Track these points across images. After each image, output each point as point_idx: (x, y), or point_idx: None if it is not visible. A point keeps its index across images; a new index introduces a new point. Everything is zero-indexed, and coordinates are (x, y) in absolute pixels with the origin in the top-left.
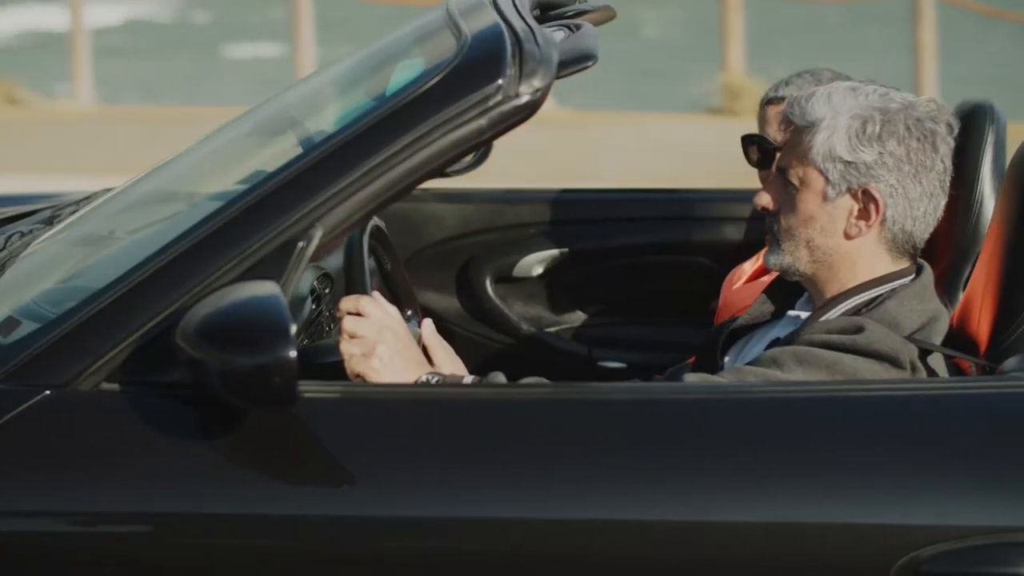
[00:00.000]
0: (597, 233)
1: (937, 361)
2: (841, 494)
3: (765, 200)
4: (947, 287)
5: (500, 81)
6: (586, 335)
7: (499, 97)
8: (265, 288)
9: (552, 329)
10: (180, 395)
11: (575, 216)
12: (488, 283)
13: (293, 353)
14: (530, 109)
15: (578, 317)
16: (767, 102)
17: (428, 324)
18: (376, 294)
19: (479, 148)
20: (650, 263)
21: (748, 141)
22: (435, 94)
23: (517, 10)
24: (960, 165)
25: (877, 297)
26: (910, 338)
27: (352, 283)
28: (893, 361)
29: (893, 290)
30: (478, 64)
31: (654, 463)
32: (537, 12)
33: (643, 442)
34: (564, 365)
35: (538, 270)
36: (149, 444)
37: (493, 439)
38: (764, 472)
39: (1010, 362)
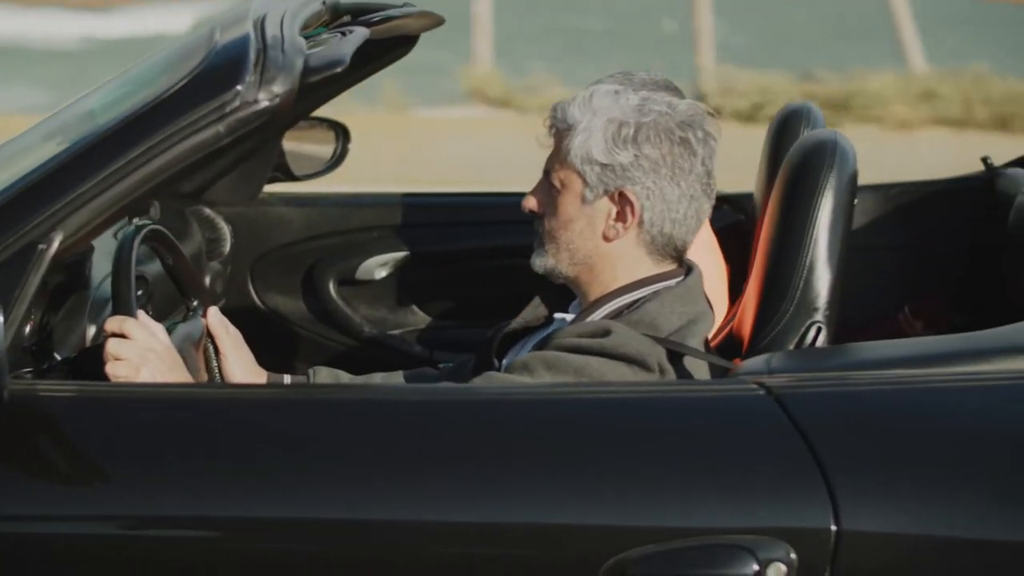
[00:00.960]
0: (440, 237)
1: (695, 363)
2: (547, 496)
3: (531, 203)
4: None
5: (239, 87)
6: (428, 337)
7: (236, 103)
8: None
9: (395, 331)
10: None
11: (419, 220)
12: (332, 286)
13: None
14: (269, 114)
15: (421, 319)
16: None
17: (213, 313)
18: (141, 314)
19: (222, 153)
20: (491, 266)
21: None
22: (174, 101)
23: (280, 21)
24: (775, 169)
25: (640, 299)
26: (664, 340)
27: (118, 302)
28: (640, 363)
29: (656, 292)
30: (219, 71)
31: (375, 463)
32: (348, 18)
33: (370, 441)
34: (406, 366)
35: (381, 273)
36: None
37: (229, 438)
38: (473, 474)
39: (745, 364)
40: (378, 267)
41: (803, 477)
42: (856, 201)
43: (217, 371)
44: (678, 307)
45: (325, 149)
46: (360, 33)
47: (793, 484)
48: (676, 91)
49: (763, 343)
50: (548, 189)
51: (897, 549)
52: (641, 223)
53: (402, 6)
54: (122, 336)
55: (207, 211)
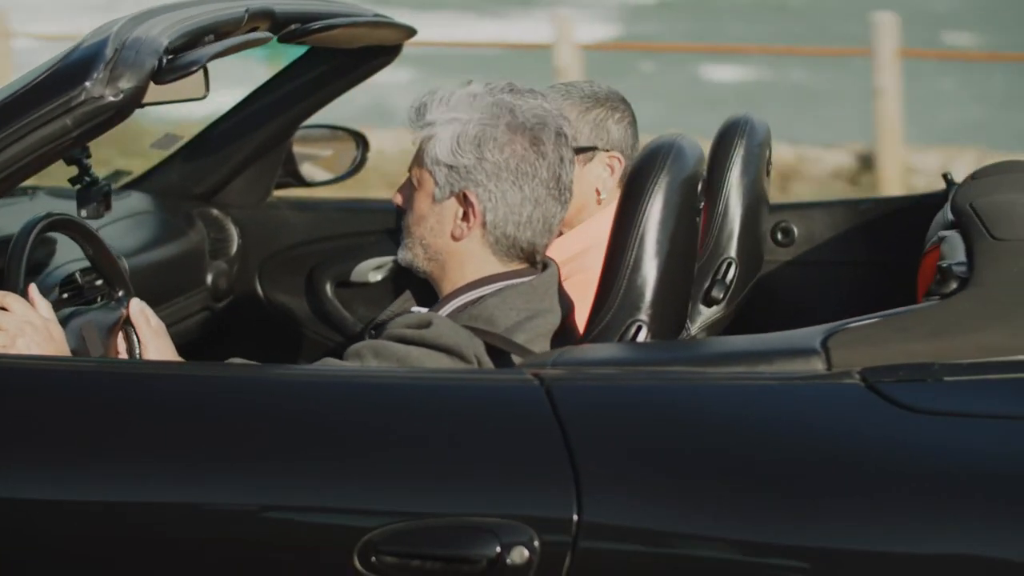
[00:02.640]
0: None
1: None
2: (307, 478)
3: (397, 198)
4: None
5: (87, 84)
6: None
7: (82, 98)
8: None
9: None
10: None
11: None
12: (328, 287)
13: None
14: (114, 109)
15: None
16: None
17: (134, 303)
18: (32, 291)
19: (72, 143)
20: None
21: None
22: (28, 95)
23: (151, 25)
24: (711, 177)
25: (484, 295)
26: (480, 332)
27: (5, 280)
28: (457, 354)
29: (500, 289)
30: (71, 69)
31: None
32: (296, 25)
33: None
34: None
35: (376, 276)
36: None
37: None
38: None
39: (538, 355)
40: (372, 270)
41: (553, 466)
42: (701, 206)
43: (138, 358)
44: (520, 303)
45: (345, 157)
46: (231, 42)
47: (543, 472)
48: (575, 96)
49: (589, 339)
50: (408, 186)
51: (636, 542)
52: (484, 224)
53: (371, 16)
54: (3, 309)
55: (215, 212)
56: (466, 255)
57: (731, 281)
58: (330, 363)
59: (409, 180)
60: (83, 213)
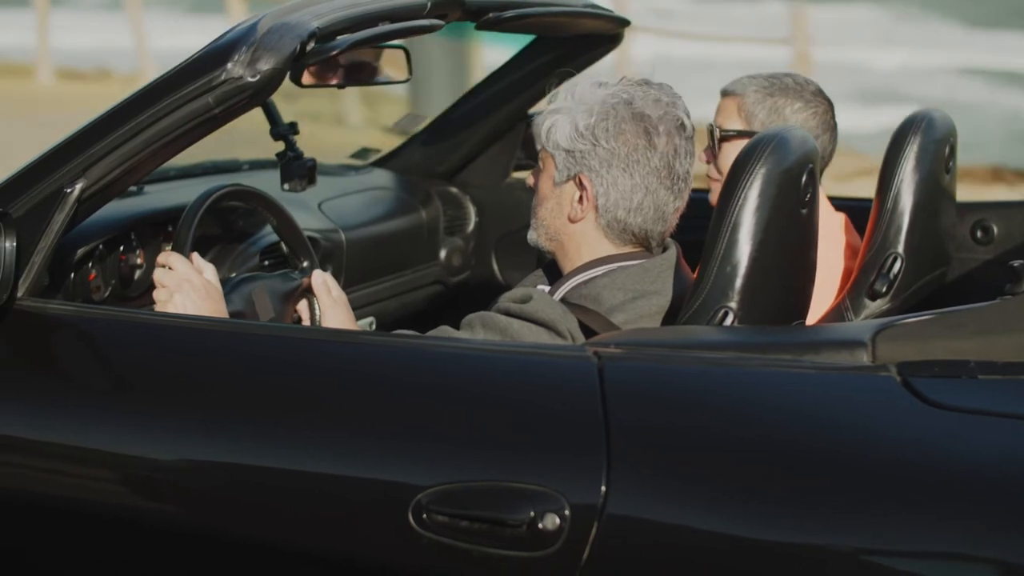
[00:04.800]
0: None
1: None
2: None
3: (530, 180)
4: (855, 284)
5: (228, 65)
6: None
7: (223, 78)
8: None
9: None
10: None
11: None
12: None
13: None
14: (253, 90)
15: None
16: (721, 93)
17: (317, 274)
18: (195, 255)
19: (215, 121)
20: None
21: (707, 130)
22: (178, 76)
23: (302, 10)
24: (883, 173)
25: (596, 276)
26: (576, 307)
27: (174, 243)
28: (552, 328)
29: (611, 270)
30: (216, 51)
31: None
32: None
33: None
34: None
35: None
36: None
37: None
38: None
39: (612, 334)
40: None
41: (590, 439)
42: (807, 198)
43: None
44: (629, 284)
45: None
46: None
47: (580, 444)
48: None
49: (680, 322)
50: (537, 168)
51: (661, 519)
52: (597, 208)
53: (579, 6)
54: (167, 268)
55: (454, 190)
56: (581, 237)
57: (896, 276)
58: (444, 331)
59: (537, 163)
60: (286, 187)
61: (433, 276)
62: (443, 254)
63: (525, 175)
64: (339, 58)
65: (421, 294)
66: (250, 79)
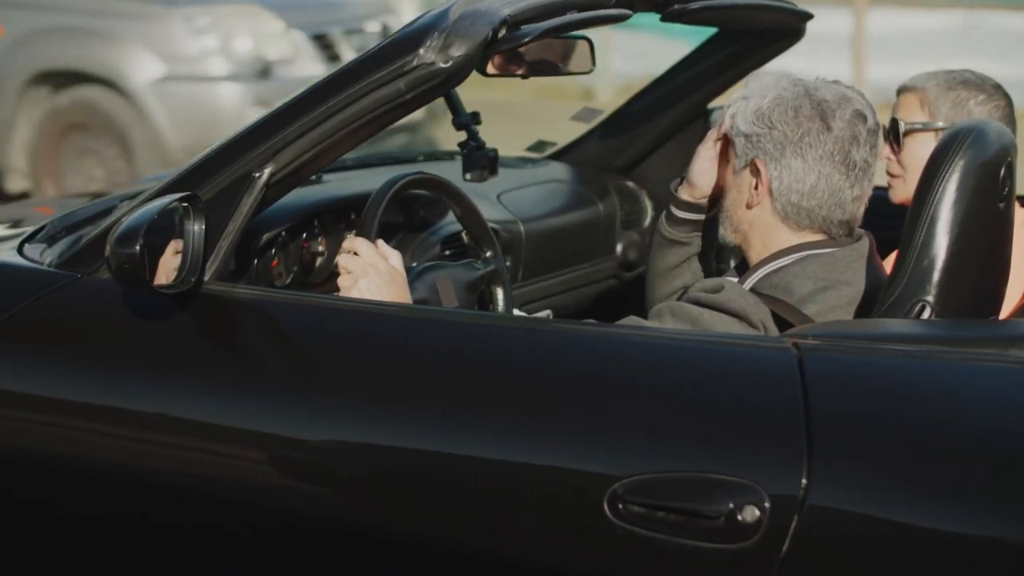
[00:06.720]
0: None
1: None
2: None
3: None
4: None
5: (420, 51)
6: None
7: (415, 64)
8: (154, 203)
9: None
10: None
11: None
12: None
13: (133, 250)
14: (444, 75)
15: None
16: (899, 91)
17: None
18: (381, 241)
19: (406, 106)
20: None
21: (888, 127)
22: (369, 60)
23: None
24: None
25: (785, 265)
26: (769, 298)
27: (360, 229)
28: (744, 318)
29: (801, 259)
30: (409, 37)
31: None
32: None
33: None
34: None
35: None
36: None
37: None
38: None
39: (811, 326)
40: None
41: (791, 431)
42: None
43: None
44: (820, 273)
45: None
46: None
47: (780, 436)
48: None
49: (876, 314)
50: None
51: (862, 514)
52: (771, 192)
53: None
54: (353, 254)
55: (631, 185)
56: (761, 224)
57: None
58: (633, 320)
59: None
60: (468, 177)
61: (609, 271)
62: (619, 248)
63: None
64: (523, 47)
65: (596, 288)
66: (442, 65)
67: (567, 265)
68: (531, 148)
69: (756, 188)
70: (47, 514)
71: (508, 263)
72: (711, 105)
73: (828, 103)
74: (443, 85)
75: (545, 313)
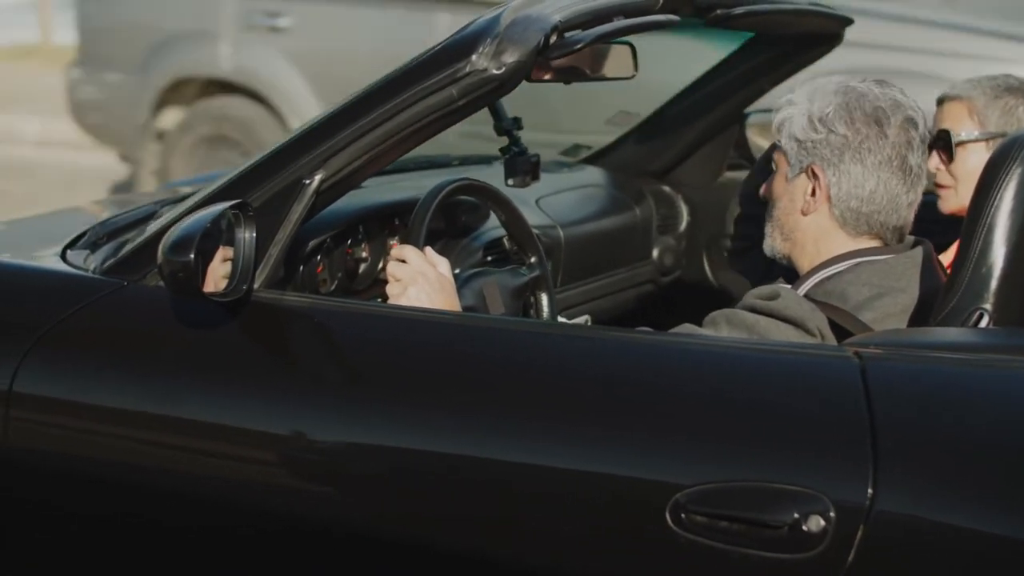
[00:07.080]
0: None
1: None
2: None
3: (763, 190)
4: None
5: (473, 57)
6: None
7: (468, 70)
8: (206, 211)
9: None
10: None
11: None
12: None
13: (188, 258)
14: (497, 82)
15: None
16: (940, 100)
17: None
18: (429, 249)
19: (457, 113)
20: None
21: (935, 137)
22: (421, 66)
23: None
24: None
25: (840, 271)
26: (827, 306)
27: (407, 236)
28: (801, 326)
29: (855, 265)
30: (461, 43)
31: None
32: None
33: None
34: None
35: None
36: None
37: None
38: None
39: (872, 335)
40: None
41: (856, 441)
42: None
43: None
44: (875, 280)
45: None
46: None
47: (845, 445)
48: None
49: (934, 322)
50: (769, 173)
51: (928, 524)
52: (829, 198)
53: (804, 5)
54: (402, 261)
55: (667, 189)
56: (817, 231)
57: None
58: (687, 328)
59: (769, 168)
60: (510, 182)
61: (646, 275)
62: (655, 253)
63: (734, 175)
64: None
65: (633, 293)
66: (495, 71)
67: (605, 270)
68: (566, 152)
69: (813, 194)
70: (91, 522)
71: (548, 267)
72: (747, 110)
73: (883, 109)
74: (496, 92)
75: (584, 319)
